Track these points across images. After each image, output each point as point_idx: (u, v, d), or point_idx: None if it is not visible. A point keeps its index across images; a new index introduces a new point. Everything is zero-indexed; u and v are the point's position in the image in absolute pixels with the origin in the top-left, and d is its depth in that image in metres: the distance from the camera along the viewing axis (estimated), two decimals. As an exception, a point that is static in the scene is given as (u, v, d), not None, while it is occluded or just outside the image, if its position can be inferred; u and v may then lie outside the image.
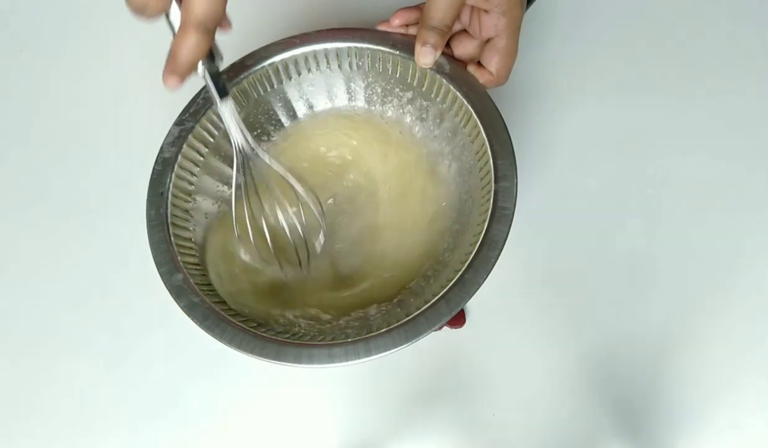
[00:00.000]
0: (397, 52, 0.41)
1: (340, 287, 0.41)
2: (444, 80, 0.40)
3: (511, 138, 0.37)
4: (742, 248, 0.45)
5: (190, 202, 0.40)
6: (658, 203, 0.47)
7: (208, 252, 0.39)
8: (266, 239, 0.39)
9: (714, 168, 0.48)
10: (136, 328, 0.46)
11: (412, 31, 0.41)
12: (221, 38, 0.32)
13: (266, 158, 0.38)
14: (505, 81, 0.40)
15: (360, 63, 0.43)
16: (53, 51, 0.58)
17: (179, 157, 0.39)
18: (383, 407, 0.43)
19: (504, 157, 0.36)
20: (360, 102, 0.46)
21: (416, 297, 0.37)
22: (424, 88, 0.42)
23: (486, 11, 0.38)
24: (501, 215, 0.34)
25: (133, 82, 0.56)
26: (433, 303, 0.33)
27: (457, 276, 0.33)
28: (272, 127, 0.45)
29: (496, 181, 0.36)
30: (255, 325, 0.35)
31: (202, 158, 0.41)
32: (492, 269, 0.33)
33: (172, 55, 0.30)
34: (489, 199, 0.35)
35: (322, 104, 0.46)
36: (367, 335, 0.32)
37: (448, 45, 0.41)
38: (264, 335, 0.33)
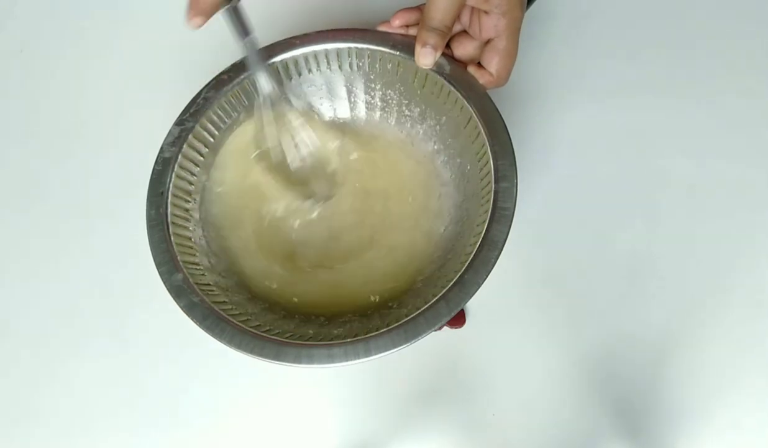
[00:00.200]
0: (398, 53, 0.41)
1: (333, 263, 0.42)
2: (444, 81, 0.40)
3: (511, 138, 0.37)
4: (742, 248, 0.45)
5: (190, 202, 0.40)
6: (658, 203, 0.47)
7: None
8: (285, 165, 0.41)
9: (714, 168, 0.48)
10: (136, 328, 0.46)
11: (412, 31, 0.41)
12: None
13: (290, 99, 0.39)
14: (506, 82, 0.40)
15: (360, 64, 0.43)
16: (53, 51, 0.58)
17: (179, 157, 0.39)
18: (383, 407, 0.43)
19: (504, 158, 0.36)
20: (360, 102, 0.46)
21: (416, 297, 0.37)
22: (424, 89, 0.42)
23: (486, 12, 0.38)
24: (501, 216, 0.34)
25: (133, 81, 0.56)
26: (433, 303, 0.33)
27: (457, 276, 0.33)
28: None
29: (496, 182, 0.36)
30: (255, 325, 0.35)
31: (202, 158, 0.41)
32: (492, 269, 0.33)
33: None
34: (489, 200, 0.35)
35: (322, 104, 0.46)
36: (367, 335, 0.32)
37: (448, 46, 0.41)
38: (264, 334, 0.33)
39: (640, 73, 0.52)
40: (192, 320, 0.34)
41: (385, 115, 0.46)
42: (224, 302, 0.36)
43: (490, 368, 0.43)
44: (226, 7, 0.33)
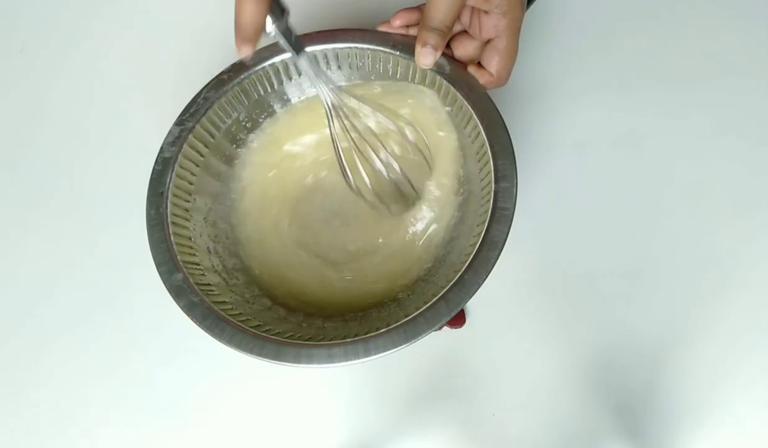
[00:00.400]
0: (398, 53, 0.41)
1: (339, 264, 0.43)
2: (444, 81, 0.40)
3: (511, 138, 0.37)
4: (742, 247, 0.45)
5: (190, 201, 0.40)
6: (658, 203, 0.47)
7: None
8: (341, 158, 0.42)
9: (714, 168, 0.48)
10: (136, 328, 0.46)
11: (412, 32, 0.41)
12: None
13: (353, 102, 0.40)
14: (506, 82, 0.40)
15: (360, 64, 0.43)
16: (53, 51, 0.58)
17: (179, 156, 0.39)
18: (383, 407, 0.43)
19: (504, 158, 0.36)
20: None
21: (416, 297, 0.37)
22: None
23: (486, 12, 0.38)
24: (501, 216, 0.34)
25: (133, 81, 0.56)
26: (433, 303, 0.33)
27: (457, 276, 0.33)
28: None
29: (496, 182, 0.36)
30: (255, 324, 0.35)
31: (202, 158, 0.41)
32: (492, 269, 0.33)
33: (237, 24, 0.31)
34: (489, 200, 0.35)
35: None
36: (367, 335, 0.32)
37: (448, 46, 0.41)
38: (264, 335, 0.33)
39: (640, 73, 0.52)
40: (191, 319, 0.34)
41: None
42: (224, 302, 0.36)
43: (490, 368, 0.43)
44: (273, 32, 0.32)
